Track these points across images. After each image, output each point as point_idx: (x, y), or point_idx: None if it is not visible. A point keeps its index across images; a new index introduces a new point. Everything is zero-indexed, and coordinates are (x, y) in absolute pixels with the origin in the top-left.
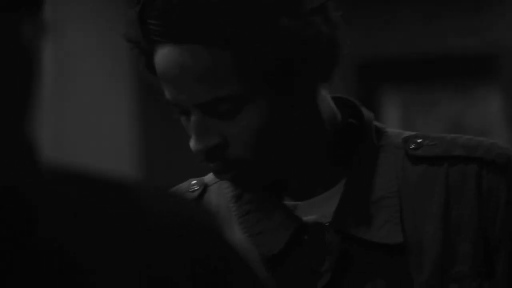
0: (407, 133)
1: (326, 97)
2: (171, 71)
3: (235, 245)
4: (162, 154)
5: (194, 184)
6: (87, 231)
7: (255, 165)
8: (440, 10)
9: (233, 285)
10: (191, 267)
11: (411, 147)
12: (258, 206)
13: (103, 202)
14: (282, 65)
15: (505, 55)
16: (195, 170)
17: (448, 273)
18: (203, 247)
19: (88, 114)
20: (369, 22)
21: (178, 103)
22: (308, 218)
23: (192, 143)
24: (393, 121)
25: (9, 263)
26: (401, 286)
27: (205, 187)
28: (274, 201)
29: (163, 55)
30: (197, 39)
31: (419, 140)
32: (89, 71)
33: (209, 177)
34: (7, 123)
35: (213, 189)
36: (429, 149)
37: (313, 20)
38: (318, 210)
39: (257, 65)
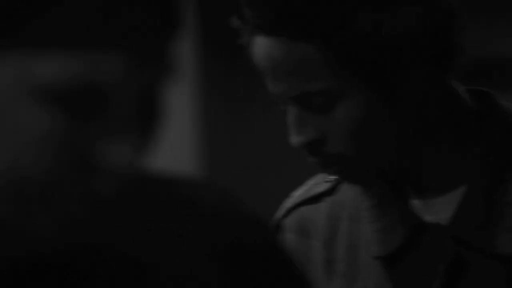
0: None
1: (451, 88)
2: (263, 63)
3: (282, 246)
4: (225, 153)
5: None
6: (150, 232)
7: (358, 160)
8: None
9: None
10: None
11: None
12: (380, 201)
13: (166, 202)
14: (377, 59)
15: None
16: (258, 169)
17: None
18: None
19: None
20: None
21: (276, 95)
22: (428, 218)
23: (290, 137)
24: None
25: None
26: None
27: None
28: (395, 198)
29: (257, 46)
30: (286, 32)
31: None
32: None
33: None
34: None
35: None
36: None
37: (408, 10)
38: (439, 209)
39: (348, 59)
